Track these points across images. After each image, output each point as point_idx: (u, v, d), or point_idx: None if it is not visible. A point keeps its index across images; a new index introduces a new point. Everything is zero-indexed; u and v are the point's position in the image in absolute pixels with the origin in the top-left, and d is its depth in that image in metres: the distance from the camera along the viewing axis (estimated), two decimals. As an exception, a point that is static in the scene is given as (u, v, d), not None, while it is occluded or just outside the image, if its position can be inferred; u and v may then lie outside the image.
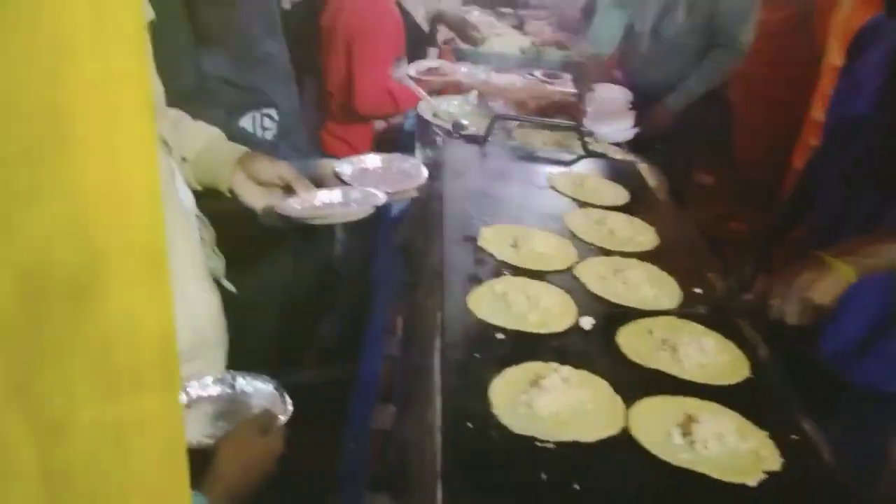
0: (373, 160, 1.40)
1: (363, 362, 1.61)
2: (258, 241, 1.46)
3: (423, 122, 1.93)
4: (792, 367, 1.13)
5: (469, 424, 0.86)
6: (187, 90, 1.38)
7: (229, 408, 0.95)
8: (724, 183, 4.21)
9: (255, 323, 1.51)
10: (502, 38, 3.38)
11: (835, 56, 2.70)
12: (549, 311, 1.09)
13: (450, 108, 2.00)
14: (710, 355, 1.03)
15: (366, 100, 2.19)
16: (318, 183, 1.31)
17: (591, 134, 2.35)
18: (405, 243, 1.55)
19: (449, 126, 1.82)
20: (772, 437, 0.90)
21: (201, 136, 1.18)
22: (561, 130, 1.92)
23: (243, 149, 1.22)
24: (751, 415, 0.93)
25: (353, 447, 1.45)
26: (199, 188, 1.17)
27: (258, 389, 0.97)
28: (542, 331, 1.05)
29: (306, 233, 1.67)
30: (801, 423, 0.94)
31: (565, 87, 2.95)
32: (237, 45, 1.49)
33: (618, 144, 2.31)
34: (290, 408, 0.94)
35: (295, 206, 1.18)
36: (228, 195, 1.19)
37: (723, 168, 4.29)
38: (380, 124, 2.46)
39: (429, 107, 1.98)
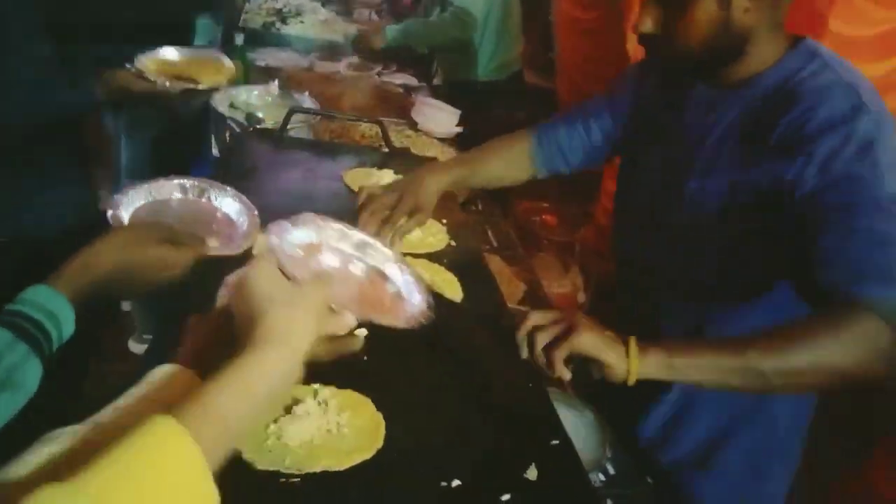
0: None
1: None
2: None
3: (216, 115, 1.77)
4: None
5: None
6: None
7: None
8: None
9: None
10: (327, 24, 3.26)
11: (639, 54, 2.87)
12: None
13: (249, 98, 1.85)
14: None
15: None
16: None
17: (415, 127, 2.33)
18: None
19: (243, 119, 1.68)
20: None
21: None
22: (366, 124, 1.84)
23: None
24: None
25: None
26: None
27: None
28: (309, 347, 0.97)
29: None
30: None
31: (393, 77, 2.91)
32: None
33: (443, 140, 2.30)
34: None
35: None
36: None
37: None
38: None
39: (224, 97, 1.82)
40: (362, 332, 0.76)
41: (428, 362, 1.03)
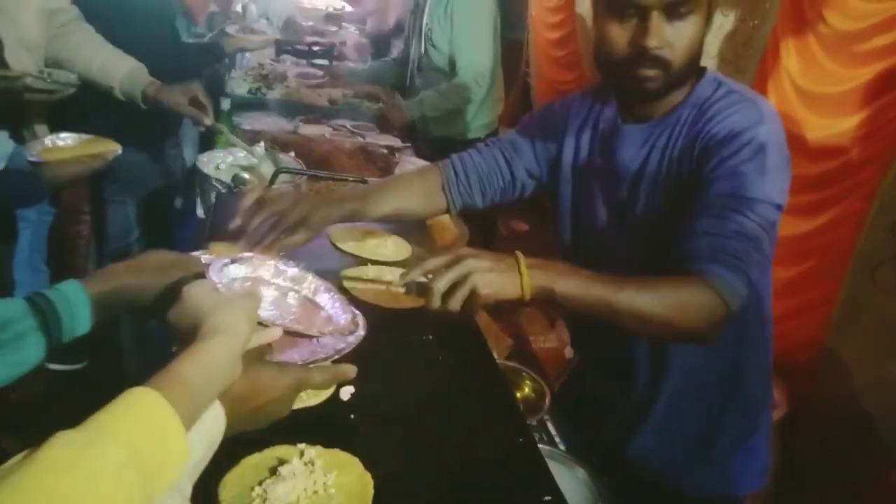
0: None
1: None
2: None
3: (202, 176, 1.78)
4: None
5: (186, 532, 0.73)
6: None
7: None
8: (536, 230, 4.49)
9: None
10: (311, 89, 3.33)
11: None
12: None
13: (236, 160, 1.87)
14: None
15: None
16: None
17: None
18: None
19: (229, 180, 1.69)
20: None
21: None
22: (351, 182, 1.86)
23: None
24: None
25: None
26: None
27: None
28: (296, 406, 0.95)
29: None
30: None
31: (377, 139, 2.96)
32: None
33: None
34: None
35: None
36: None
37: (537, 216, 4.57)
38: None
39: (211, 160, 1.84)
40: (352, 368, 0.81)
41: (416, 420, 1.01)
